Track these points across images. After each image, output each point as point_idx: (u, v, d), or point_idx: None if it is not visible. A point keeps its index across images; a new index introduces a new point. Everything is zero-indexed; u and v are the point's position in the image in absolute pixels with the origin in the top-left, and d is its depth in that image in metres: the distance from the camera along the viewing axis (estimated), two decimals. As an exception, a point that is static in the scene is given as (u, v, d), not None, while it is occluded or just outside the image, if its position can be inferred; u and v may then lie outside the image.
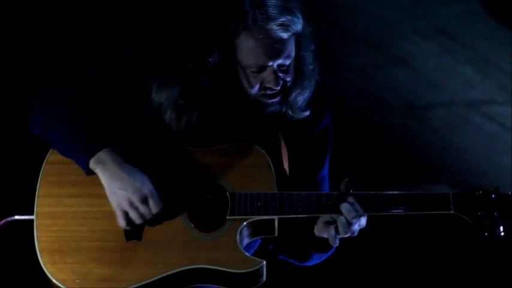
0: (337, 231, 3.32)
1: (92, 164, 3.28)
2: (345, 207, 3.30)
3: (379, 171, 5.80)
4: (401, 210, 3.34)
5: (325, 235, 3.36)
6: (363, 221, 3.32)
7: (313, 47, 3.45)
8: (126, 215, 3.26)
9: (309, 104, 3.48)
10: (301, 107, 3.46)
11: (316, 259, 3.56)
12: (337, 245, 3.36)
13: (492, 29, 5.16)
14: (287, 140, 3.52)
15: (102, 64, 3.48)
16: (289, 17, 3.29)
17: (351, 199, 3.31)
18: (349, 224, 3.29)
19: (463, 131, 5.70)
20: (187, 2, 3.52)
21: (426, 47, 5.38)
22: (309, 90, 3.46)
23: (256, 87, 3.37)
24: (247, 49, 3.32)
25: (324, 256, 3.55)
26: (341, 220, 3.30)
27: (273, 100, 3.41)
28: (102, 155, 3.27)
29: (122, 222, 3.28)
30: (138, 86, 3.41)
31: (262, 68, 3.34)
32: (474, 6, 5.09)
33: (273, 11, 3.28)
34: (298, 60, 3.42)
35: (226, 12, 3.31)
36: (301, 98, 3.45)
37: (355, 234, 3.35)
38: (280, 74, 3.36)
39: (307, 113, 3.48)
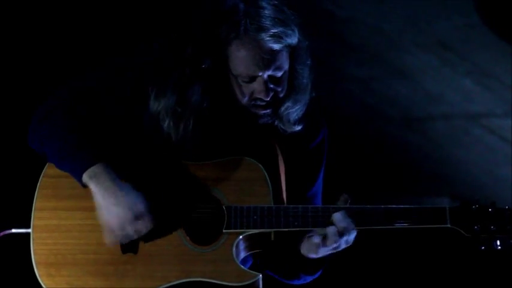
0: (324, 242, 3.30)
1: (85, 178, 3.27)
2: (337, 216, 3.29)
3: (378, 183, 5.82)
4: (398, 224, 3.34)
5: (309, 249, 3.35)
6: (352, 236, 3.31)
7: (309, 62, 3.44)
8: (114, 232, 3.26)
9: (303, 118, 3.47)
10: (292, 120, 3.44)
11: (302, 280, 3.56)
12: (318, 256, 3.34)
13: (492, 41, 5.18)
14: (284, 152, 3.52)
15: (97, 76, 3.47)
16: (281, 29, 3.28)
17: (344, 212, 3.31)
18: (339, 234, 3.28)
19: (463, 143, 5.72)
20: (183, 8, 3.53)
21: (426, 59, 5.40)
22: (302, 104, 3.44)
23: (247, 96, 3.36)
24: (237, 58, 3.31)
25: (309, 278, 3.55)
26: (331, 230, 3.29)
27: (264, 111, 3.39)
28: (96, 169, 3.27)
29: (109, 239, 3.28)
30: (134, 97, 3.42)
31: (252, 78, 3.33)
32: (474, 19, 5.10)
33: (265, 22, 3.27)
34: (292, 73, 3.40)
35: (220, 20, 3.31)
36: (292, 111, 3.43)
37: (340, 249, 3.33)
38: (271, 86, 3.34)
39: (299, 127, 3.46)
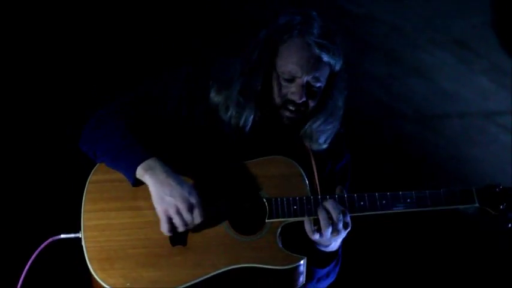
0: (318, 228, 3.52)
1: (140, 171, 3.49)
2: (330, 203, 3.53)
3: (393, 181, 5.87)
4: (429, 207, 3.61)
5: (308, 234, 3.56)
6: (347, 218, 3.54)
7: (346, 93, 3.74)
8: (170, 220, 3.47)
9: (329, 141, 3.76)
10: (321, 141, 3.72)
11: (315, 280, 3.74)
12: (315, 238, 3.54)
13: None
14: (316, 160, 3.77)
15: (153, 84, 3.74)
16: (331, 46, 3.59)
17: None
18: (333, 219, 3.50)
19: (478, 141, 5.78)
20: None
21: (442, 57, 5.48)
22: (332, 127, 3.73)
23: (282, 96, 3.64)
24: (285, 55, 3.61)
25: (323, 278, 3.75)
26: (322, 214, 3.52)
27: (290, 115, 3.67)
28: (151, 162, 3.49)
29: (165, 227, 3.48)
30: (187, 99, 3.68)
31: (292, 79, 3.62)
32: (490, 18, 5.18)
33: (318, 32, 3.59)
34: (328, 95, 3.70)
35: (277, 27, 3.63)
36: (323, 131, 3.70)
37: (342, 233, 3.55)
38: (306, 92, 3.62)
39: (325, 146, 3.73)
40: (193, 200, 3.45)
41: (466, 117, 5.71)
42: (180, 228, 3.47)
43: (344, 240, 3.69)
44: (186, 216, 3.45)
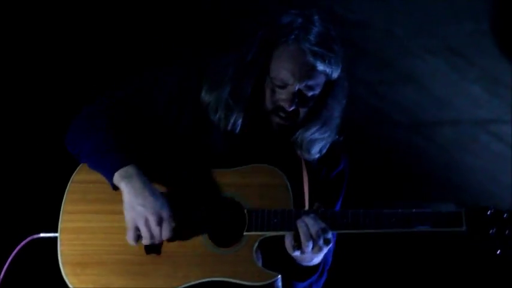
0: (298, 243, 3.43)
1: (117, 178, 3.43)
2: (308, 221, 3.42)
3: (384, 188, 5.89)
4: (415, 228, 3.47)
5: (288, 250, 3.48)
6: (329, 235, 3.43)
7: (344, 102, 3.63)
8: (137, 231, 3.42)
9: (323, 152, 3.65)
10: (313, 152, 3.61)
11: None
12: (295, 254, 3.45)
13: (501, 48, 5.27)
14: (308, 168, 3.67)
15: (137, 84, 3.67)
16: (329, 54, 3.46)
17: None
18: (313, 236, 3.41)
19: (470, 149, 5.79)
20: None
21: (435, 65, 5.48)
22: (326, 138, 3.61)
23: (273, 101, 3.54)
24: (279, 61, 3.50)
25: None
26: (302, 229, 3.42)
27: (280, 122, 3.56)
28: (129, 169, 3.42)
29: (130, 237, 3.43)
30: (172, 103, 3.60)
31: (284, 86, 3.51)
32: (484, 25, 5.20)
33: (317, 39, 3.46)
34: (323, 103, 3.58)
35: (276, 28, 3.51)
36: (316, 141, 3.59)
37: (323, 250, 3.45)
38: (297, 100, 3.51)
39: (317, 156, 3.63)
40: (164, 214, 3.39)
41: (458, 124, 5.72)
42: (146, 241, 3.41)
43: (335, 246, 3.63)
44: (154, 229, 3.38)
